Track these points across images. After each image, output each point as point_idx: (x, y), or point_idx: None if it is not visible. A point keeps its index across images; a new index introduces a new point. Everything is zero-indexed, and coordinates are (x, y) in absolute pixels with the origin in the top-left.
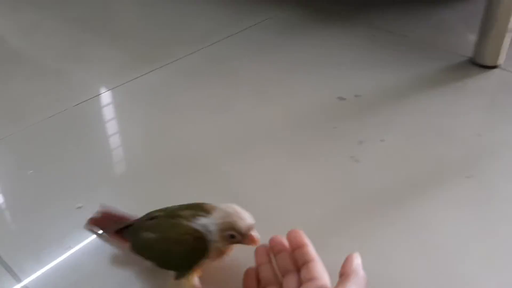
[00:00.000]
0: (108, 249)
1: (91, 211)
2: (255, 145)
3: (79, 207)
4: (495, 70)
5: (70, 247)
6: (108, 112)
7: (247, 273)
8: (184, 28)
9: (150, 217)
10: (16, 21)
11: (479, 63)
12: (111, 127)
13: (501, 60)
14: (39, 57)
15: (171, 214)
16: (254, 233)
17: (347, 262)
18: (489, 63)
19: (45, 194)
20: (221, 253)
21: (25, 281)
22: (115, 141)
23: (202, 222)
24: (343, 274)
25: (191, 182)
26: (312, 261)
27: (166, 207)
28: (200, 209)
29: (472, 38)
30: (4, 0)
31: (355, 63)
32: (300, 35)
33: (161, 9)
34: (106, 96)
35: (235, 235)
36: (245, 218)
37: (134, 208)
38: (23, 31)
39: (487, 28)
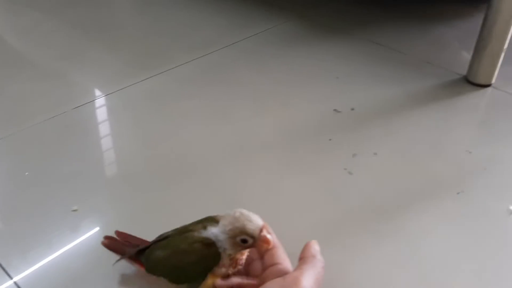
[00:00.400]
0: (100, 252)
1: (86, 214)
2: (250, 155)
3: (75, 210)
4: (488, 89)
5: (62, 249)
6: (106, 117)
7: None
8: (185, 35)
9: (163, 237)
10: (15, 23)
11: (472, 81)
12: (109, 131)
13: (494, 79)
14: (38, 59)
15: (182, 231)
16: (266, 234)
17: (306, 248)
18: (482, 82)
19: (40, 196)
20: (233, 261)
21: (16, 278)
22: (112, 145)
23: (212, 231)
24: (302, 258)
25: (187, 188)
26: (274, 248)
27: (177, 227)
28: (210, 220)
29: (467, 56)
30: (3, 2)
31: (352, 77)
32: (299, 47)
33: (162, 15)
34: (104, 101)
35: (247, 239)
36: (254, 220)
37: (131, 213)
38: (23, 33)
39: (482, 47)
